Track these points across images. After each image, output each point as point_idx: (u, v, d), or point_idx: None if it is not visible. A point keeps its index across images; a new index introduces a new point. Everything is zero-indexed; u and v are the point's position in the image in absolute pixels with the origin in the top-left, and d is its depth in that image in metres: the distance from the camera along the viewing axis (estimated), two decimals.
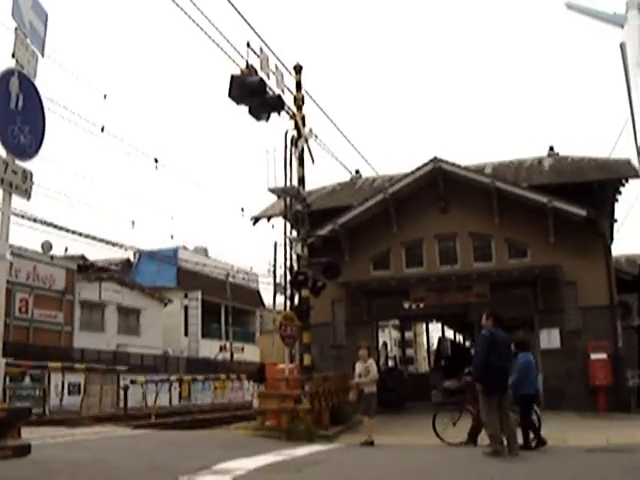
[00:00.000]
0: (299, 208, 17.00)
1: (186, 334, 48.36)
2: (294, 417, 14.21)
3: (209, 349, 47.49)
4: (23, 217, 24.58)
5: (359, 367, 13.93)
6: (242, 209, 31.51)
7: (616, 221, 22.59)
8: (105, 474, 8.47)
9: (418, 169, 21.78)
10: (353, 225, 22.17)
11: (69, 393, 26.66)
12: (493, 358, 11.00)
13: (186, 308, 48.53)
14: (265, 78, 14.95)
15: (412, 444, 13.32)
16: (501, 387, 11.13)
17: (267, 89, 14.91)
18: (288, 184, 16.76)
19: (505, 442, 10.80)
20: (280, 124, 16.50)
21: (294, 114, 16.56)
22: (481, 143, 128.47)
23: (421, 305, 22.10)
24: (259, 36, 14.97)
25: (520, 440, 11.47)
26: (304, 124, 16.80)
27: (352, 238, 22.42)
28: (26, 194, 5.79)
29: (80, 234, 29.77)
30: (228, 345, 48.52)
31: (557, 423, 16.52)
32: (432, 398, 25.80)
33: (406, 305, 22.21)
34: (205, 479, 8.14)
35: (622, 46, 6.63)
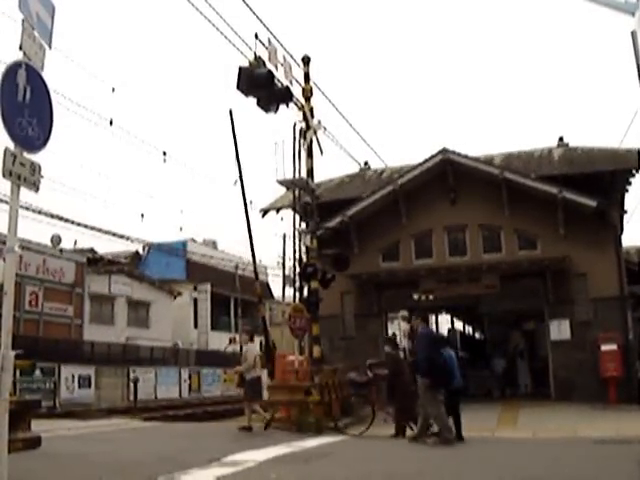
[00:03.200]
0: (308, 200, 16.97)
1: (195, 326, 48.44)
2: (304, 409, 14.21)
3: (218, 341, 47.56)
4: (32, 210, 24.62)
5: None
6: (250, 201, 31.41)
7: (626, 212, 22.47)
8: (115, 466, 8.49)
9: (427, 160, 21.70)
10: (362, 217, 22.13)
11: (79, 386, 26.79)
12: (435, 355, 11.67)
13: (195, 300, 48.60)
14: (273, 70, 14.92)
15: None
16: (445, 381, 11.77)
17: (275, 81, 14.88)
18: (297, 176, 16.75)
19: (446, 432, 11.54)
20: (289, 116, 16.49)
21: (302, 106, 16.52)
22: (490, 134, 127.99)
23: (430, 297, 22.04)
24: (267, 28, 14.94)
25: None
26: (312, 116, 16.76)
27: (361, 230, 22.38)
28: (34, 187, 5.78)
29: (89, 227, 29.84)
30: (237, 337, 48.58)
31: (568, 414, 16.53)
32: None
33: (415, 297, 22.15)
34: (215, 471, 8.16)
35: (633, 34, 6.58)
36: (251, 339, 14.66)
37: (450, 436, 11.49)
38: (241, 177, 18.32)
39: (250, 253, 20.23)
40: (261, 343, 20.25)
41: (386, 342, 14.49)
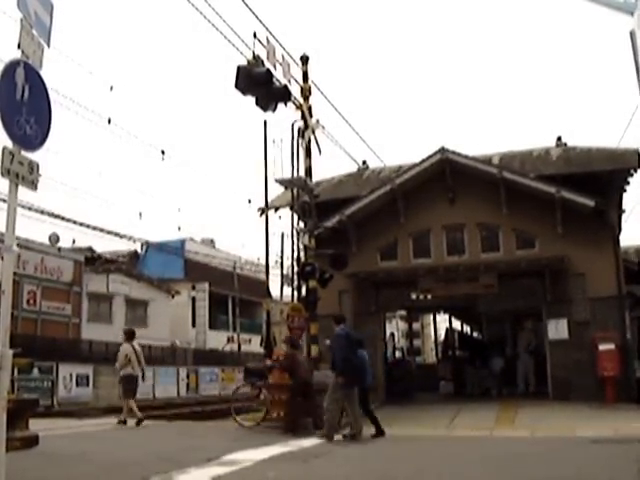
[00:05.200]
0: (306, 199, 16.99)
1: (194, 325, 48.48)
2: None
3: (216, 340, 47.61)
4: (30, 209, 24.60)
5: None
6: (249, 200, 31.42)
7: (624, 211, 22.47)
8: (112, 465, 8.50)
9: (425, 160, 21.68)
10: (360, 216, 22.10)
11: (77, 385, 26.78)
12: (351, 355, 12.37)
13: (193, 299, 48.63)
14: (272, 69, 14.93)
15: (420, 435, 13.32)
16: (360, 379, 12.56)
17: (274, 80, 14.88)
18: (295, 175, 16.78)
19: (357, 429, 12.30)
20: (288, 115, 16.52)
21: (301, 105, 16.53)
22: (488, 134, 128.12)
23: (429, 296, 22.05)
24: (265, 27, 14.94)
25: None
26: (311, 115, 16.77)
27: (359, 229, 22.36)
28: (32, 185, 5.78)
29: (87, 226, 29.83)
30: (235, 336, 48.64)
31: (566, 414, 16.54)
32: (440, 389, 25.85)
33: (413, 296, 22.16)
34: (213, 470, 8.16)
35: (632, 34, 6.57)
36: (129, 339, 15.73)
37: (332, 434, 12.12)
38: (266, 184, 18.46)
39: (265, 256, 20.44)
40: (262, 338, 20.32)
41: (284, 341, 14.93)
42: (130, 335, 15.89)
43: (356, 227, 22.34)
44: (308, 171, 16.75)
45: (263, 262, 23.63)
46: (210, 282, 48.41)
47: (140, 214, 37.92)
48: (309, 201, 16.93)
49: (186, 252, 48.69)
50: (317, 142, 16.86)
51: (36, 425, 7.21)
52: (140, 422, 14.79)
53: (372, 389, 13.79)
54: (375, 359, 21.73)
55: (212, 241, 56.26)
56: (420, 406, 20.53)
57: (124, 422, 14.89)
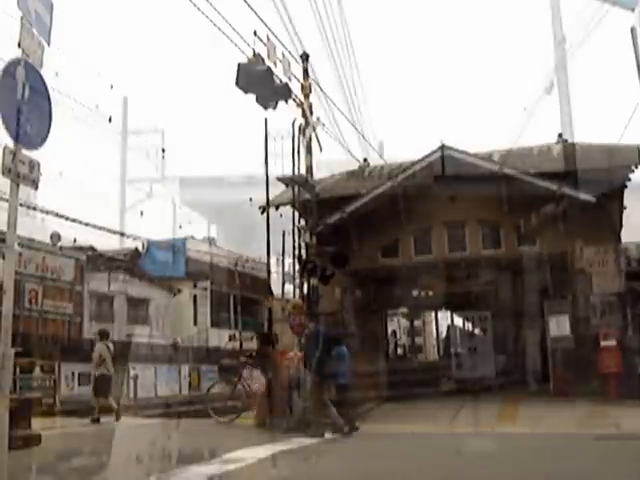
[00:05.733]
0: (307, 197, 17.02)
1: (195, 323, 48.42)
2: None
3: (218, 338, 47.54)
4: (32, 208, 24.60)
5: None
6: (250, 198, 31.35)
7: (625, 208, 22.43)
8: (115, 462, 8.50)
9: (426, 157, 21.62)
10: (361, 213, 22.03)
11: (79, 383, 26.77)
12: (323, 353, 12.75)
13: (195, 297, 48.55)
14: (272, 67, 14.93)
15: (420, 432, 13.33)
16: (332, 376, 12.94)
17: (274, 77, 14.89)
18: (296, 172, 16.81)
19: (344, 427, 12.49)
20: (288, 112, 16.52)
21: (301, 102, 16.53)
22: (489, 131, 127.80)
23: (430, 293, 22.05)
24: (266, 25, 14.92)
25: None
26: (311, 112, 16.79)
27: (360, 226, 22.31)
28: (33, 184, 5.79)
29: (87, 224, 29.82)
30: (237, 334, 48.56)
31: (567, 410, 16.54)
32: (441, 386, 25.85)
33: (415, 293, 22.16)
34: (215, 467, 8.18)
35: (633, 30, 6.58)
36: (103, 339, 16.17)
37: (319, 432, 12.17)
38: (267, 182, 18.48)
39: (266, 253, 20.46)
40: (258, 335, 20.31)
41: (257, 337, 15.28)
42: (104, 335, 16.37)
43: (357, 224, 22.29)
44: (309, 169, 16.77)
45: (264, 260, 23.60)
46: (211, 280, 48.34)
47: (141, 212, 37.93)
48: (310, 198, 16.97)
49: (187, 250, 48.64)
50: (318, 140, 16.88)
51: (38, 424, 7.21)
52: (97, 421, 15.21)
53: (349, 387, 13.93)
54: (377, 357, 21.81)
55: (213, 239, 56.23)
56: (421, 403, 20.50)
57: (97, 420, 15.24)
